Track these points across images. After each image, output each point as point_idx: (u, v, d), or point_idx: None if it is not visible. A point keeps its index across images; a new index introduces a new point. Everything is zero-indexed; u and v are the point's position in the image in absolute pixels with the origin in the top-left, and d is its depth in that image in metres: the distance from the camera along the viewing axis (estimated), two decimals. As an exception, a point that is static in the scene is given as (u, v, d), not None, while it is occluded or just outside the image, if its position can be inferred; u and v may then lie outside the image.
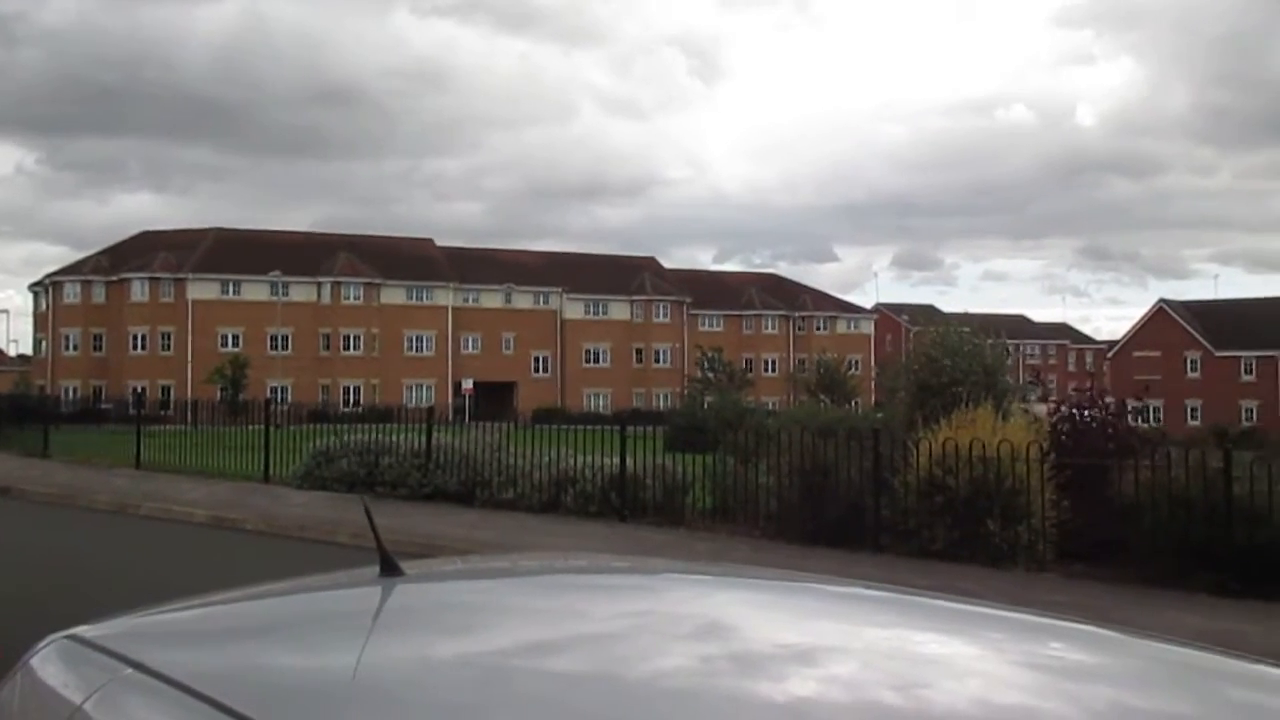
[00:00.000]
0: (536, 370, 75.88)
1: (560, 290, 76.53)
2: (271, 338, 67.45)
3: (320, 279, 69.65)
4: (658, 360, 77.84)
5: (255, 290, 67.73)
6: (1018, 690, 1.37)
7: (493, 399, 63.75)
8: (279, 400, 40.28)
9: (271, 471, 20.34)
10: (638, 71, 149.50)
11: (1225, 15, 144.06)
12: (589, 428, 17.26)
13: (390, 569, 1.75)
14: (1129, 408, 13.90)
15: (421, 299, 72.85)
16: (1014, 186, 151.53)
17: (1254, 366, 73.55)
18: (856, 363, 76.05)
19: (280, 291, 67.31)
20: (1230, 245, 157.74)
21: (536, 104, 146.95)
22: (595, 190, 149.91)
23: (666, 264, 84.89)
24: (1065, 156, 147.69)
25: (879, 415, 24.48)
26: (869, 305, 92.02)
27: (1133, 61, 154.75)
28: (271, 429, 21.08)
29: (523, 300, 76.09)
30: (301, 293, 69.14)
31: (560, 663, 1.39)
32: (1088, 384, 18.54)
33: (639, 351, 77.59)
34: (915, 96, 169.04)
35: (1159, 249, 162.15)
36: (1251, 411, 71.94)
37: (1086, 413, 13.72)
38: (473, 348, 74.08)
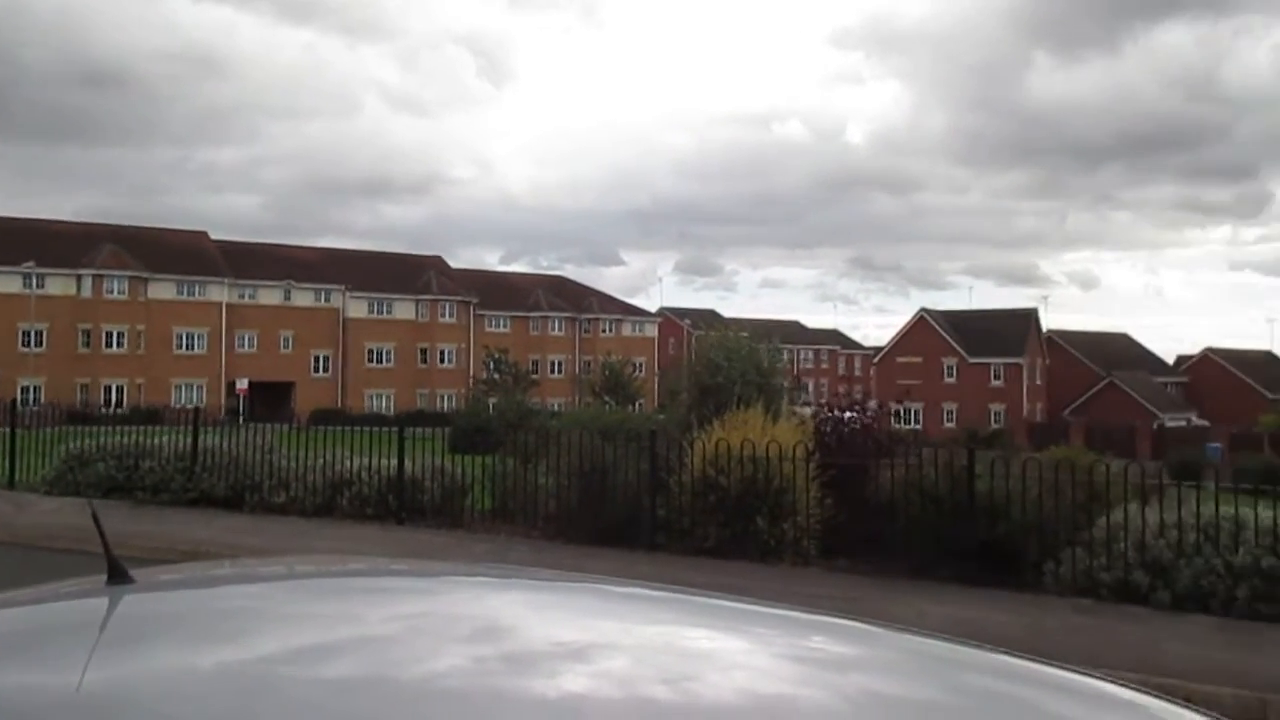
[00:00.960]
0: (316, 370, 73.44)
1: (343, 288, 74.36)
2: (24, 333, 62.76)
3: (81, 271, 65.20)
4: (443, 361, 76.76)
5: (6, 282, 62.77)
6: (780, 681, 1.44)
7: (269, 400, 61.32)
8: (31, 400, 37.40)
9: (17, 477, 18.91)
10: (424, 68, 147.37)
11: (979, 46, 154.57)
12: (369, 429, 16.86)
13: (118, 576, 1.65)
14: (888, 410, 14.69)
15: (193, 294, 69.32)
16: (790, 198, 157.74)
17: (1002, 372, 79.19)
18: (641, 365, 77.35)
19: (35, 284, 62.66)
20: (982, 259, 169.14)
21: (319, 96, 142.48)
22: (380, 187, 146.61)
23: (453, 264, 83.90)
24: (837, 171, 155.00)
25: (660, 417, 25.00)
26: (653, 309, 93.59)
27: (898, 85, 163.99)
28: (18, 430, 19.59)
29: (303, 298, 73.50)
30: (59, 285, 64.59)
31: (316, 669, 1.34)
32: (851, 388, 19.48)
33: (424, 352, 76.27)
34: (699, 107, 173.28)
35: (920, 261, 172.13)
36: (999, 414, 77.38)
37: (849, 415, 14.45)
38: (248, 346, 71.01)
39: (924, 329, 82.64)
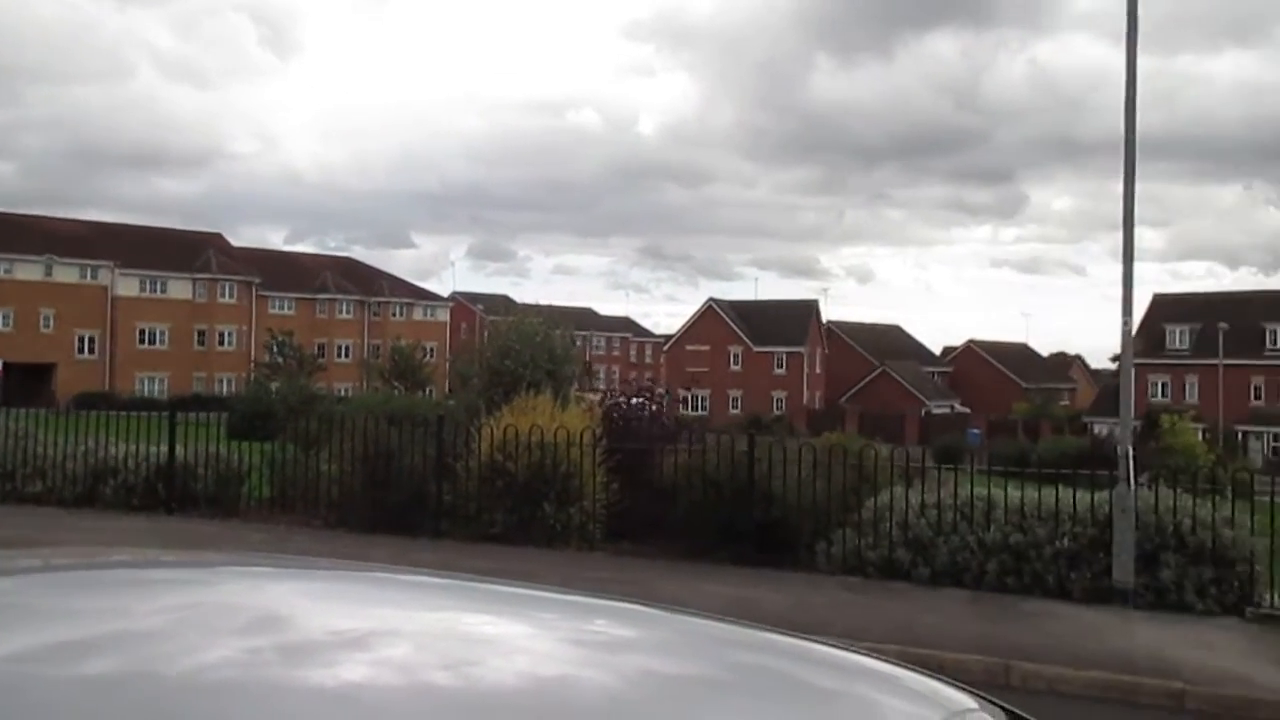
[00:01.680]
0: (81, 351, 68.77)
1: (112, 264, 69.86)
2: None
3: None
4: (222, 343, 73.33)
5: None
6: (561, 664, 1.47)
7: (28, 382, 57.00)
8: None
9: None
10: (203, 36, 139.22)
11: (764, 45, 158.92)
12: (139, 414, 15.94)
13: None
14: (676, 397, 15.03)
15: (-61, 268, 63.73)
16: (583, 186, 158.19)
17: (784, 361, 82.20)
18: (432, 350, 76.10)
19: None
20: (768, 252, 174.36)
21: (86, 59, 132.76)
22: (154, 158, 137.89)
23: (235, 242, 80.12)
24: (629, 161, 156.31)
25: (450, 403, 24.71)
26: (445, 293, 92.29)
27: (688, 79, 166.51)
28: None
29: (66, 274, 68.63)
30: None
31: (72, 668, 1.26)
32: (638, 375, 19.80)
33: (202, 334, 72.65)
34: (491, 91, 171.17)
35: (709, 252, 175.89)
36: (781, 401, 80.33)
37: (636, 401, 14.69)
38: (4, 325, 65.86)
39: (712, 318, 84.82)
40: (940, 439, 49.29)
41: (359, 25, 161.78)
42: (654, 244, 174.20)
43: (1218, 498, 11.14)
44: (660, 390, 16.09)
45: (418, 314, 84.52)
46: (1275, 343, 66.72)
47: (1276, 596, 10.50)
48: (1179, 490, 11.03)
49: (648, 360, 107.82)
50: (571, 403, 14.65)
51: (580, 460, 12.86)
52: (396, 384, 58.07)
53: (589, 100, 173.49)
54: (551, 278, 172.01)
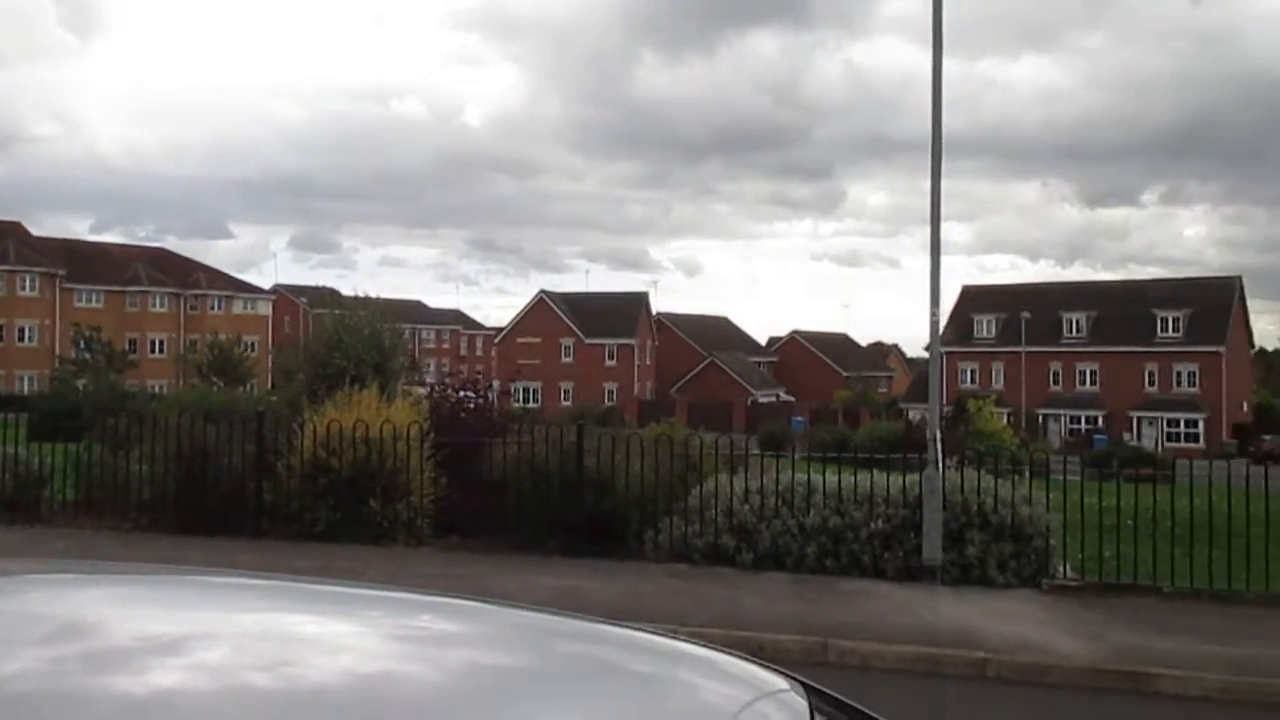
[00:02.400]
0: None
1: (-105, 255, 64.79)
2: None
3: None
4: (23, 338, 68.95)
5: None
6: (384, 660, 1.47)
7: None
8: None
9: None
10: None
11: (590, 38, 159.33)
12: (-76, 416, 14.84)
13: None
14: (507, 389, 14.99)
15: None
16: (409, 176, 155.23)
17: (615, 352, 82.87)
18: (253, 344, 73.44)
19: None
20: (597, 244, 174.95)
21: None
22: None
23: (35, 231, 75.42)
24: (457, 152, 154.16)
25: (273, 399, 23.94)
26: (267, 286, 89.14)
27: (515, 70, 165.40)
28: None
29: None
30: None
31: None
32: (471, 368, 19.68)
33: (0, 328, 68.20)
34: (312, 77, 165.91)
35: (539, 244, 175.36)
36: (613, 393, 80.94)
37: (463, 394, 14.57)
38: None
39: (543, 310, 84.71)
40: (766, 427, 50.67)
41: (170, 5, 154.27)
42: (484, 236, 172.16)
43: (1017, 478, 11.82)
44: (493, 383, 16.00)
45: (238, 307, 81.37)
46: (1072, 331, 71.11)
47: (1069, 568, 11.24)
48: (984, 471, 11.66)
49: (479, 353, 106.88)
50: (399, 397, 14.40)
51: (407, 455, 12.67)
52: (216, 380, 55.86)
53: (414, 89, 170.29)
54: (379, 270, 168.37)
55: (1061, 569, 11.14)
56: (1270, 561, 10.30)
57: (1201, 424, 65.00)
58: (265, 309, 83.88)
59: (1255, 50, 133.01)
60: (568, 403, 77.28)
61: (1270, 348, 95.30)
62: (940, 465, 11.14)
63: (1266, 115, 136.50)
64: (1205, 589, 10.44)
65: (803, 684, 1.66)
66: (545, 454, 12.49)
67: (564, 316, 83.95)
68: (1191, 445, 60.26)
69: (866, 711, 1.77)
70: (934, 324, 11.71)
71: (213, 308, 79.37)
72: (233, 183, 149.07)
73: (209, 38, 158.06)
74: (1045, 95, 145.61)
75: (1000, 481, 11.43)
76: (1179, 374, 66.82)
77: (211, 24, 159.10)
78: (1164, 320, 68.06)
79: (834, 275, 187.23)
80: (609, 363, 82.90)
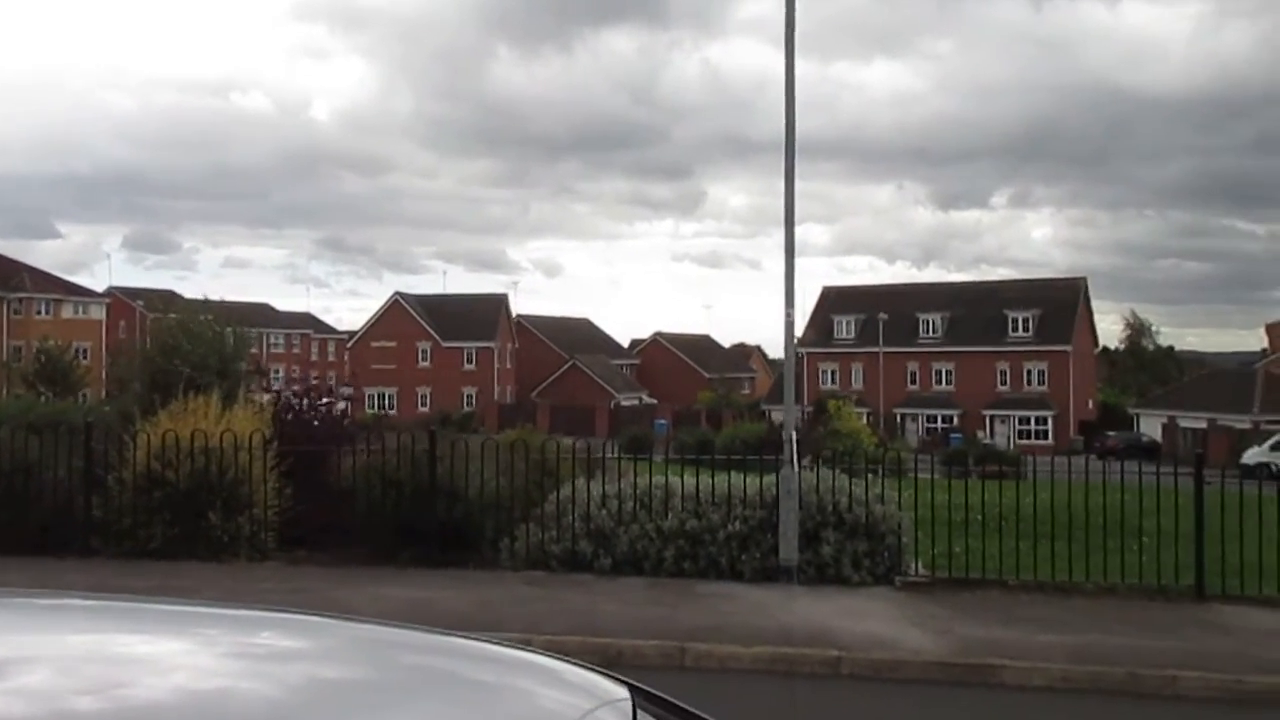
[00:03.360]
0: None
1: None
2: None
3: None
4: None
5: None
6: (219, 678, 1.45)
7: None
8: None
9: None
10: None
11: (443, 33, 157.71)
12: None
13: None
14: (354, 395, 14.72)
15: None
16: (254, 173, 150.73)
17: (474, 356, 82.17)
18: (86, 351, 70.28)
19: None
20: (454, 245, 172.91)
21: None
22: None
23: None
24: (304, 148, 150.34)
25: (107, 408, 22.94)
26: (100, 288, 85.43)
27: (363, 63, 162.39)
28: None
29: None
30: None
31: None
32: (323, 374, 19.26)
33: None
34: (145, 66, 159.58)
35: (392, 244, 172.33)
36: (472, 397, 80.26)
37: (307, 400, 14.24)
38: None
39: (398, 313, 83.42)
40: (629, 430, 50.92)
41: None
42: (334, 236, 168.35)
43: (872, 476, 12.19)
44: (346, 389, 15.70)
45: (67, 311, 77.68)
46: (928, 331, 73.69)
47: (921, 565, 11.64)
48: (839, 471, 11.98)
49: (331, 358, 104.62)
50: (241, 404, 13.97)
51: (249, 465, 12.32)
52: (44, 390, 53.23)
53: (257, 82, 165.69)
54: (222, 271, 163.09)
55: (914, 566, 11.53)
56: (1108, 554, 10.87)
57: (1050, 421, 68.18)
58: (98, 313, 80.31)
59: (1094, 59, 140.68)
60: (425, 408, 76.30)
61: (1113, 346, 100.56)
62: (796, 465, 11.40)
63: (1106, 121, 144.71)
64: (1048, 581, 10.94)
65: (644, 691, 1.71)
66: (396, 461, 12.31)
67: (420, 319, 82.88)
68: (1041, 442, 63.18)
69: (702, 716, 1.80)
70: (789, 324, 11.99)
71: (39, 312, 75.62)
72: (60, 179, 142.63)
73: (32, 21, 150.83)
74: (898, 98, 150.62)
75: (855, 480, 11.76)
76: (1029, 372, 69.96)
77: (34, 6, 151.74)
78: (1015, 320, 71.14)
79: (696, 276, 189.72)
80: (468, 366, 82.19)
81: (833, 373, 74.26)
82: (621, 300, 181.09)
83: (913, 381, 72.91)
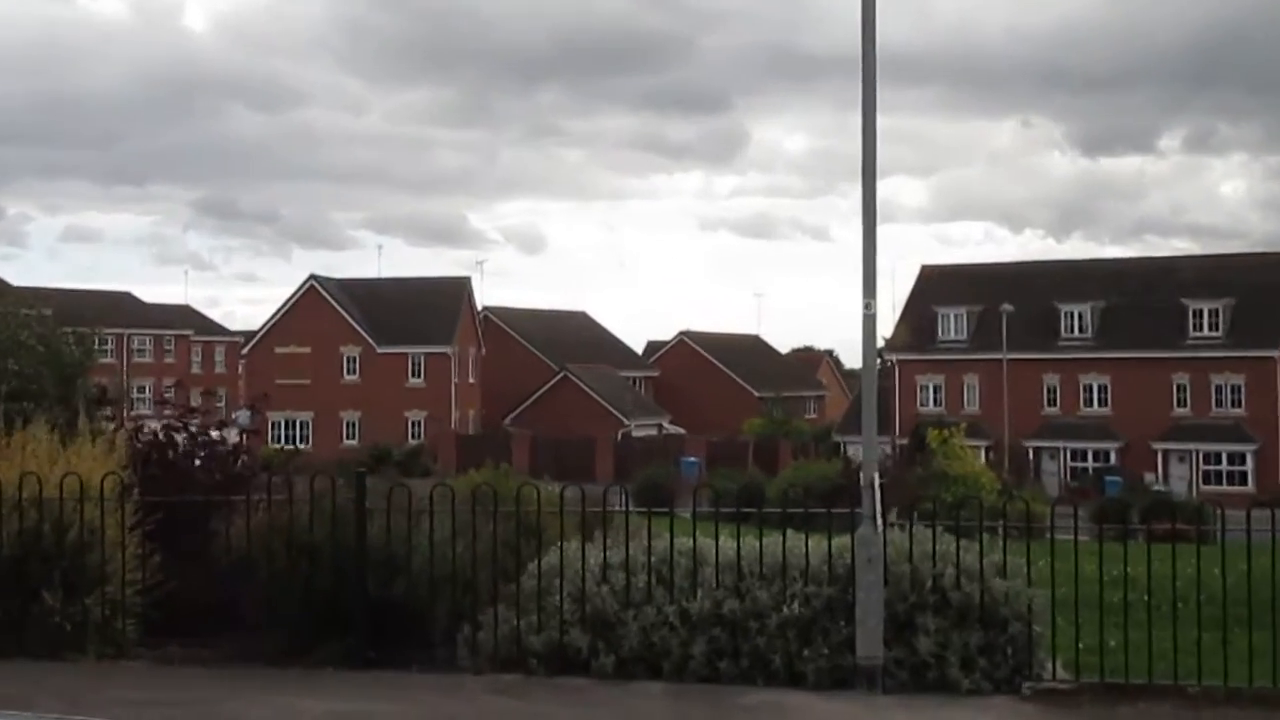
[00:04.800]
0: None
1: None
2: None
3: None
4: None
5: None
6: None
7: None
8: None
9: None
10: None
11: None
12: None
13: None
14: (258, 420, 14.80)
15: None
16: (103, 106, 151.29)
17: (423, 366, 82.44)
18: None
19: None
20: (391, 208, 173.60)
21: None
22: None
23: None
24: (173, 70, 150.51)
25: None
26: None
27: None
28: None
29: None
30: None
31: None
32: (195, 393, 19.38)
33: None
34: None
35: (304, 208, 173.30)
36: (419, 425, 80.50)
37: (186, 431, 14.31)
38: None
39: (315, 306, 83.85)
40: (643, 472, 51.05)
41: None
42: (219, 196, 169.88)
43: (992, 539, 12.16)
44: (238, 415, 15.82)
45: None
46: (1073, 329, 73.56)
47: (1060, 665, 11.61)
48: (943, 530, 11.95)
49: (220, 369, 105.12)
50: (87, 437, 14.07)
51: (101, 523, 12.41)
52: None
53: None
54: (62, 247, 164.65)
55: (1051, 666, 11.50)
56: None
57: (1250, 459, 67.96)
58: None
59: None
60: (353, 441, 76.64)
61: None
62: (881, 522, 11.39)
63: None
64: (1244, 688, 10.90)
65: None
66: (310, 518, 12.36)
67: (346, 315, 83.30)
68: (1236, 488, 63.09)
69: None
70: (869, 321, 11.97)
71: None
72: None
73: None
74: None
75: (967, 545, 11.74)
76: (1219, 389, 69.80)
77: None
78: (1198, 314, 70.94)
79: (737, 251, 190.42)
80: (413, 381, 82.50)
81: (936, 389, 74.39)
82: (632, 286, 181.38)
83: (1051, 402, 72.93)
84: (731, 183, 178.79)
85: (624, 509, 13.59)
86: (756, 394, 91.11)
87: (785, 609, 11.42)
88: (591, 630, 11.68)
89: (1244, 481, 65.61)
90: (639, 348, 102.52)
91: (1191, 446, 68.41)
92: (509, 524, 12.45)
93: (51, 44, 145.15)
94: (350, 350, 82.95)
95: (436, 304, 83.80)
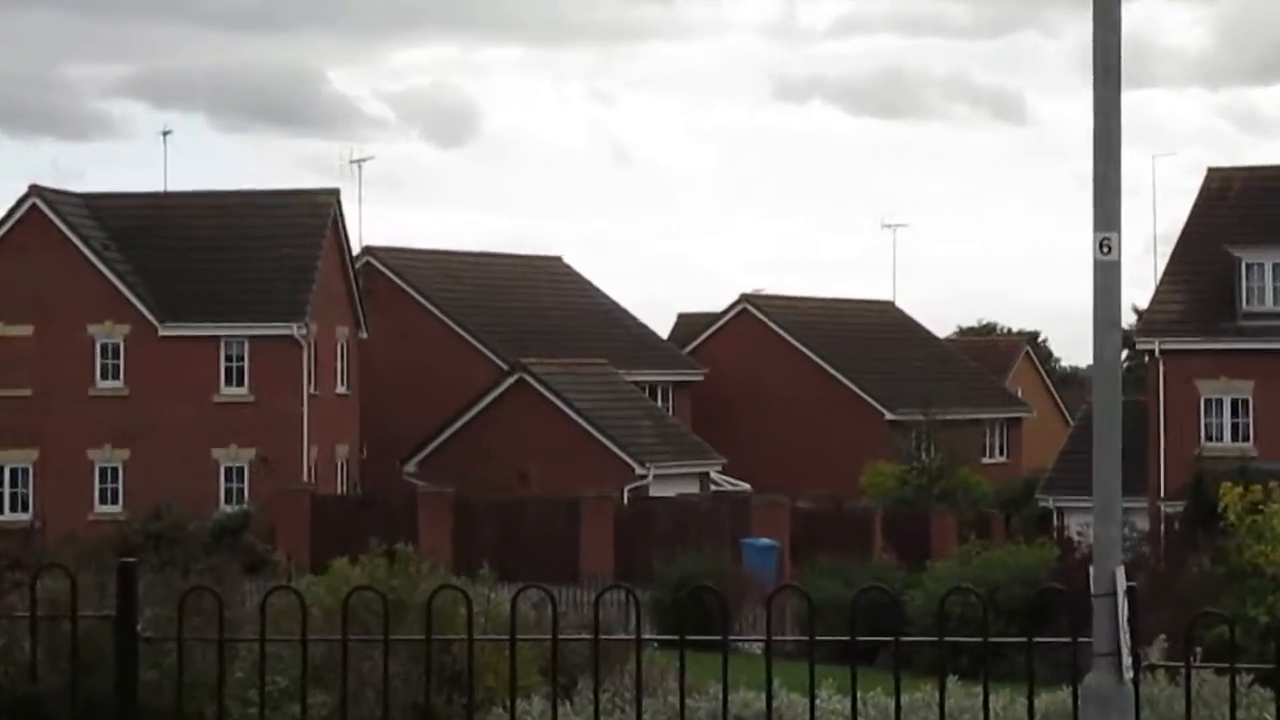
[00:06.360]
0: None
1: None
2: None
3: None
4: None
5: None
6: None
7: None
8: None
9: None
10: None
11: None
12: None
13: None
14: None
15: None
16: None
17: (246, 363, 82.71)
18: None
19: None
20: (185, 58, 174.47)
21: None
22: None
23: None
24: None
25: None
26: None
27: None
28: None
29: None
30: None
31: None
32: None
33: None
34: None
35: (15, 57, 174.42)
36: (241, 473, 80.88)
37: None
38: None
39: (40, 244, 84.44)
40: (673, 565, 51.34)
41: None
42: None
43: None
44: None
45: None
46: None
47: None
48: (1248, 677, 11.98)
49: None
50: None
51: None
52: None
53: None
54: None
55: None
56: None
57: None
58: None
59: None
60: (112, 505, 77.08)
61: None
62: (1132, 665, 11.38)
63: None
64: None
65: None
66: (32, 655, 12.45)
67: (99, 262, 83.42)
68: None
69: None
70: (1106, 273, 11.96)
71: None
72: None
73: None
74: None
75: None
76: None
77: None
78: None
79: (845, 141, 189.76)
80: (229, 391, 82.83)
81: (1236, 405, 74.31)
82: (646, 209, 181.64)
83: None
84: (834, 9, 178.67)
85: (635, 635, 13.63)
86: (888, 415, 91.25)
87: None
88: None
89: None
90: (663, 327, 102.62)
91: None
92: (414, 666, 12.50)
93: None
94: (109, 331, 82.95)
95: (272, 242, 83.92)
